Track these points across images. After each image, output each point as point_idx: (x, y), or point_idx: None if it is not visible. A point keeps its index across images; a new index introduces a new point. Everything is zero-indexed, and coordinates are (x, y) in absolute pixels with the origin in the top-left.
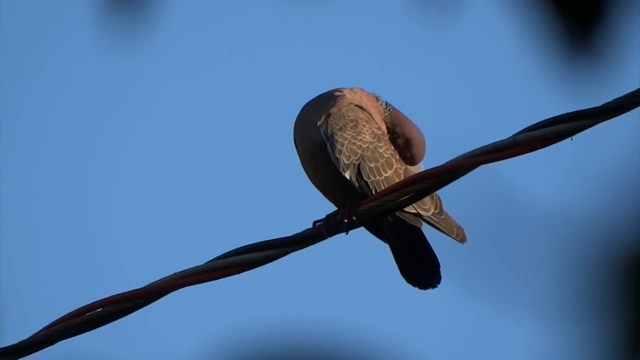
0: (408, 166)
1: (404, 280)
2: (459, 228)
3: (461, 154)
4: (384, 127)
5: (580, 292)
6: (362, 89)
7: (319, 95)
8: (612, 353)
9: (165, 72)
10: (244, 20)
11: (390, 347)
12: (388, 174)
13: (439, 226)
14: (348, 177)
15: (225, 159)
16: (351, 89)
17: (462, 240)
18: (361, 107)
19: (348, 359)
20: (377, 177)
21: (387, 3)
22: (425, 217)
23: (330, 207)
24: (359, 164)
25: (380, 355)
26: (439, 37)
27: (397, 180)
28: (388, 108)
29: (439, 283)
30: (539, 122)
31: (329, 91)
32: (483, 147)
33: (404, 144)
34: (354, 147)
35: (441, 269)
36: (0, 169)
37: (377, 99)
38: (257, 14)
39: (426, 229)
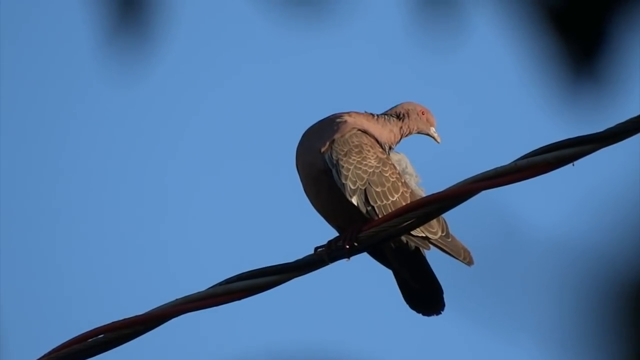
0: (413, 189)
1: (407, 307)
2: (466, 250)
3: (463, 179)
4: (393, 139)
5: (581, 317)
6: (356, 112)
7: (320, 121)
8: None
9: (165, 96)
10: (246, 43)
11: None
12: (395, 198)
13: (446, 249)
14: (355, 203)
15: (227, 184)
16: (349, 113)
17: (469, 262)
18: (364, 132)
19: None
20: (384, 202)
21: (389, 27)
22: (433, 241)
23: (332, 233)
24: (365, 189)
25: None
26: (441, 61)
27: (404, 204)
28: (386, 117)
29: (442, 310)
30: (540, 148)
31: (329, 117)
32: (485, 172)
33: (420, 125)
34: (359, 172)
35: (445, 296)
36: (5, 195)
37: (374, 116)
38: (262, 35)
39: (432, 253)
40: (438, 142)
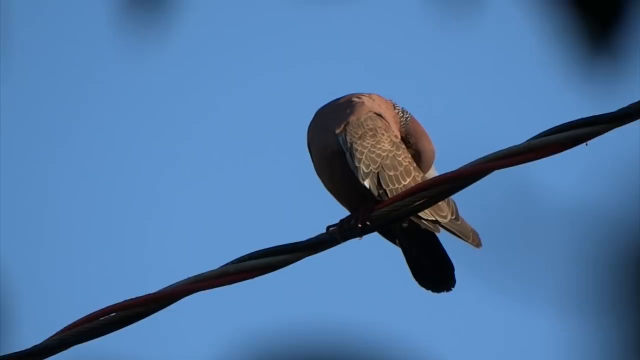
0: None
1: (417, 284)
2: (474, 233)
3: (476, 158)
4: (399, 135)
5: (596, 288)
6: (379, 95)
7: (334, 100)
8: (627, 348)
9: (179, 74)
10: (258, 23)
11: (404, 348)
12: (406, 182)
13: (455, 232)
14: (367, 186)
15: (239, 163)
16: (369, 95)
17: (478, 245)
18: (379, 115)
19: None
20: (396, 185)
21: (404, 1)
22: (443, 224)
23: (344, 212)
24: (378, 173)
25: (393, 357)
26: (455, 36)
27: None
28: (405, 116)
29: (453, 287)
30: (554, 127)
31: (346, 97)
32: (498, 152)
33: (414, 154)
34: (373, 155)
35: (455, 273)
36: (16, 170)
37: (395, 107)
38: (271, 16)
39: (443, 235)
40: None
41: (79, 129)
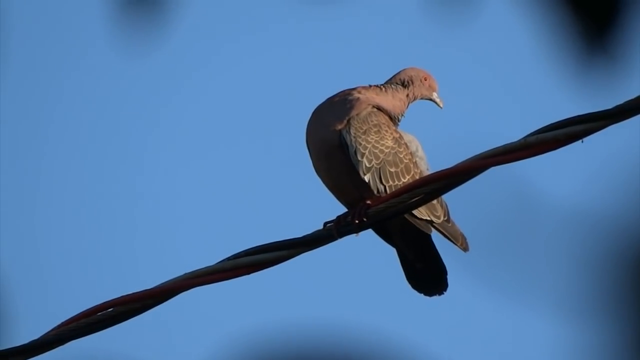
0: (422, 171)
1: (409, 287)
2: (463, 236)
3: (472, 155)
4: (404, 108)
5: (592, 288)
6: (363, 86)
7: (330, 98)
8: (624, 350)
9: (175, 72)
10: (254, 21)
11: (396, 346)
12: (406, 179)
13: (446, 233)
14: (367, 180)
15: (237, 159)
16: (357, 90)
17: (465, 249)
18: (379, 109)
19: (353, 358)
20: (397, 182)
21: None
22: (435, 224)
23: (341, 208)
24: (380, 168)
25: (385, 355)
26: (451, 34)
27: None
28: (392, 86)
29: (445, 290)
30: (550, 124)
31: (340, 94)
32: (494, 149)
33: (424, 85)
34: (376, 151)
35: (448, 277)
36: (12, 167)
37: (381, 88)
38: (266, 14)
39: (434, 236)
40: (441, 107)
41: (75, 124)
